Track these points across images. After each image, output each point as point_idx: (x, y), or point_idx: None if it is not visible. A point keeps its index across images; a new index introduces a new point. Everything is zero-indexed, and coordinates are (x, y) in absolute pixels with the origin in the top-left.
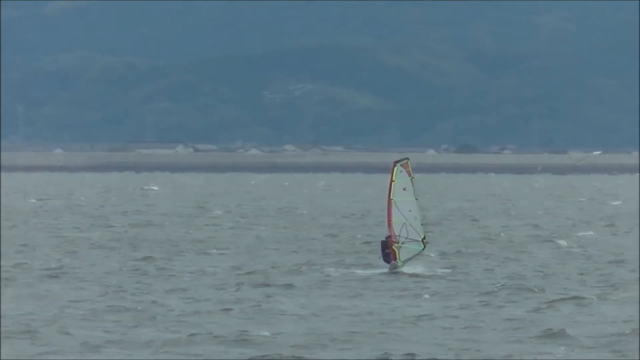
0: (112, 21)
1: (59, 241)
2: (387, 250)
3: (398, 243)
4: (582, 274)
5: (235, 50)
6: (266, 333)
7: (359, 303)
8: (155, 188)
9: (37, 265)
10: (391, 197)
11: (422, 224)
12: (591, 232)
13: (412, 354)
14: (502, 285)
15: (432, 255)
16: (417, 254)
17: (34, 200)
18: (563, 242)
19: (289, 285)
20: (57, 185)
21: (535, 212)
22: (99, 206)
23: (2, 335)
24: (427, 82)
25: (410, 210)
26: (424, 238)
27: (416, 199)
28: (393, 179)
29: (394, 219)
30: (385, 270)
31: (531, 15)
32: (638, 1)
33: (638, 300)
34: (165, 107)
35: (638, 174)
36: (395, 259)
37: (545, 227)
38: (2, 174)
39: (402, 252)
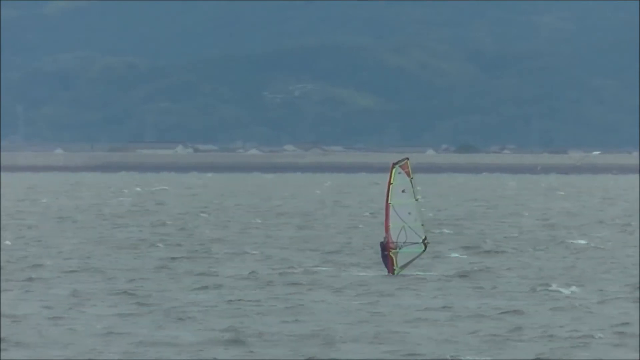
0: (112, 21)
1: (78, 241)
2: (386, 252)
3: (396, 249)
4: (605, 272)
5: (235, 50)
6: (292, 332)
7: (382, 302)
8: (165, 188)
9: (60, 266)
10: (389, 201)
11: (422, 225)
12: (608, 232)
13: (441, 354)
14: (525, 285)
15: (453, 255)
16: (418, 256)
17: (44, 201)
18: (582, 242)
19: (311, 285)
20: (63, 186)
21: (549, 212)
22: (112, 206)
23: (23, 336)
24: (427, 82)
25: (409, 213)
26: (425, 239)
27: (416, 200)
28: (391, 181)
29: (391, 224)
30: (406, 271)
31: (531, 15)
32: (638, 1)
33: None
34: (165, 107)
35: (638, 174)
36: (392, 264)
37: (562, 226)
38: (2, 174)
39: (400, 258)
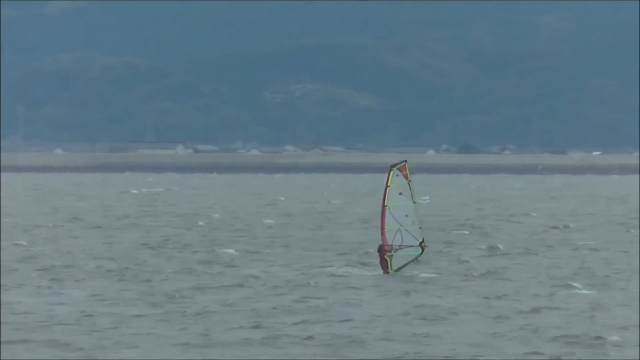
0: (112, 21)
1: (92, 241)
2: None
3: (390, 252)
4: (618, 272)
5: (235, 50)
6: (313, 332)
7: (399, 302)
8: (175, 188)
9: (76, 266)
10: (385, 204)
11: (420, 228)
12: (618, 232)
13: (460, 353)
14: (540, 285)
15: (468, 256)
16: (415, 259)
17: (53, 201)
18: (592, 242)
19: (328, 285)
20: (68, 186)
21: (558, 213)
22: (122, 207)
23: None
24: (427, 82)
25: (406, 215)
26: (422, 242)
27: (414, 202)
28: (389, 184)
29: (387, 227)
30: (429, 272)
31: (531, 15)
32: (638, 1)
33: None
34: (165, 107)
35: (638, 174)
36: (387, 267)
37: (573, 227)
38: (2, 174)
39: (395, 261)
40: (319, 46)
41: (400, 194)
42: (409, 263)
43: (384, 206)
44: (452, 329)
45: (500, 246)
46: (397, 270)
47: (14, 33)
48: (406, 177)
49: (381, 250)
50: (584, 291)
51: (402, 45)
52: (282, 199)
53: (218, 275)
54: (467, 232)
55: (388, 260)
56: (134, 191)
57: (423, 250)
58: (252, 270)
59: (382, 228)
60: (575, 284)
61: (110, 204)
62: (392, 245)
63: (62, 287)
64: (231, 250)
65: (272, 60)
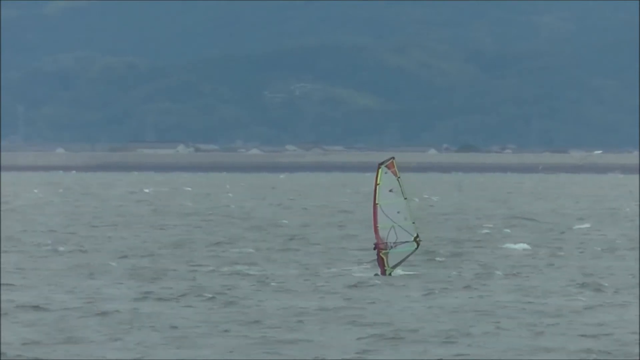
0: (112, 21)
1: (111, 240)
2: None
3: (386, 249)
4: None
5: (235, 50)
6: (345, 333)
7: (418, 301)
8: (188, 189)
9: (104, 265)
10: (376, 202)
11: (413, 223)
12: (633, 230)
13: (482, 353)
14: (561, 284)
15: (487, 259)
16: (410, 254)
17: (63, 201)
18: (609, 240)
19: (354, 285)
20: (74, 186)
21: (575, 212)
22: (136, 206)
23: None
24: (427, 82)
25: (398, 212)
26: (417, 237)
27: (405, 199)
28: (378, 182)
29: (380, 225)
30: (449, 272)
31: (531, 15)
32: (638, 1)
33: None
34: (165, 107)
35: (638, 174)
36: (383, 265)
37: (594, 227)
38: (2, 173)
39: (391, 258)
40: (319, 46)
41: (390, 191)
42: (405, 259)
43: (375, 204)
44: (475, 330)
45: (525, 246)
46: (394, 267)
47: (14, 33)
48: (395, 174)
49: (376, 248)
50: (607, 291)
51: (402, 45)
52: (292, 198)
53: (237, 274)
54: (487, 231)
55: (384, 258)
56: (146, 190)
57: (418, 245)
58: (271, 269)
59: (375, 226)
60: (600, 282)
61: (122, 203)
62: (386, 242)
63: (77, 286)
64: (250, 250)
65: (272, 60)
